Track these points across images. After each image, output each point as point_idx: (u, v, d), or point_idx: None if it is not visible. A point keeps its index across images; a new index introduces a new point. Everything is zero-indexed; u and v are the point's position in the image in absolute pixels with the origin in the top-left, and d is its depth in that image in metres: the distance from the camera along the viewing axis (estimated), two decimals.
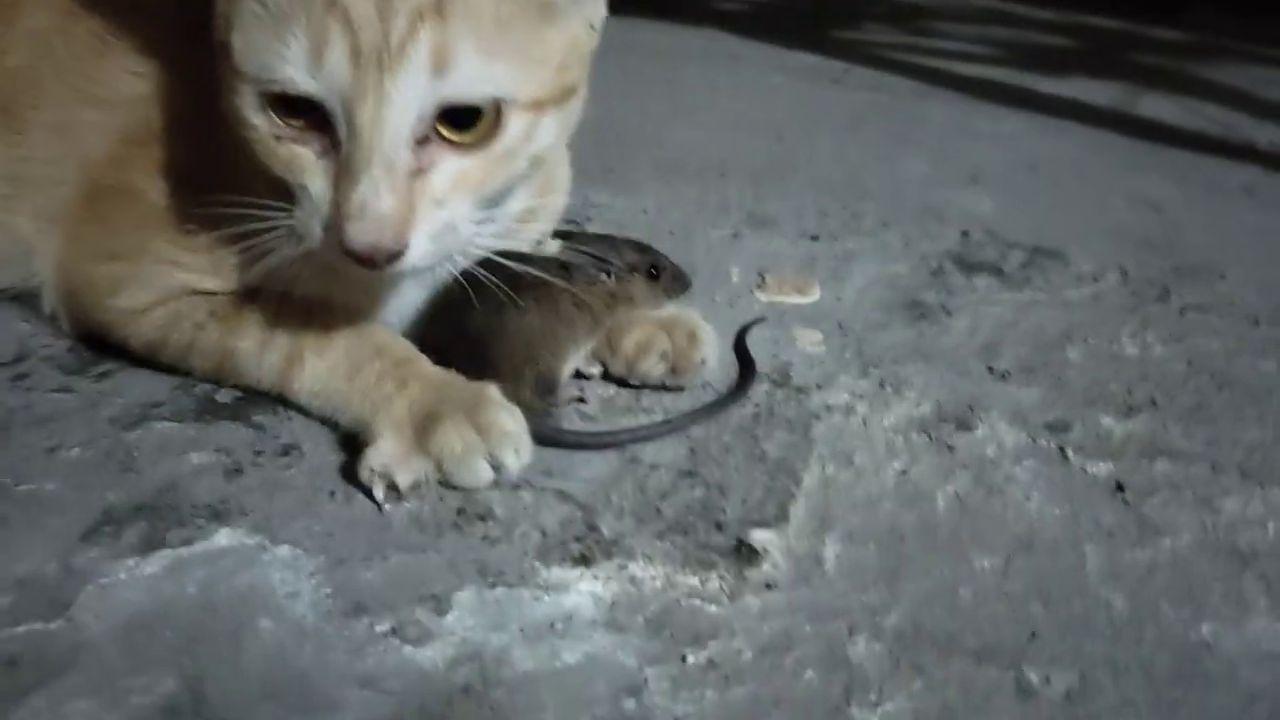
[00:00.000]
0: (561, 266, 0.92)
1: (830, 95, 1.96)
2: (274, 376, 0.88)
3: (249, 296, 0.89)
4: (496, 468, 0.81)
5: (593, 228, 1.21)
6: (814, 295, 1.17)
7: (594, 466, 0.86)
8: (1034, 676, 0.68)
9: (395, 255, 0.74)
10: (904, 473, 0.89)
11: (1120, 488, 0.89)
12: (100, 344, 0.96)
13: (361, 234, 0.72)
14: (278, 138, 0.75)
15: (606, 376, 0.98)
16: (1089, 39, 2.59)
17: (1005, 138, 1.79)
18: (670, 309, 0.99)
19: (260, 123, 0.75)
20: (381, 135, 0.71)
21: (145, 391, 0.91)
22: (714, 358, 0.97)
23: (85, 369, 0.94)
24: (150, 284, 0.89)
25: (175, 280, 0.89)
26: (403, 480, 0.80)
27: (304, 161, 0.74)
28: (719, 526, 0.80)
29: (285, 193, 0.77)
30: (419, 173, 0.74)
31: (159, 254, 0.89)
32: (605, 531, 0.79)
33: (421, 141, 0.73)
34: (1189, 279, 1.27)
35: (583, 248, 0.93)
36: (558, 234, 0.96)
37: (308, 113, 0.73)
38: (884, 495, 0.86)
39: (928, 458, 0.91)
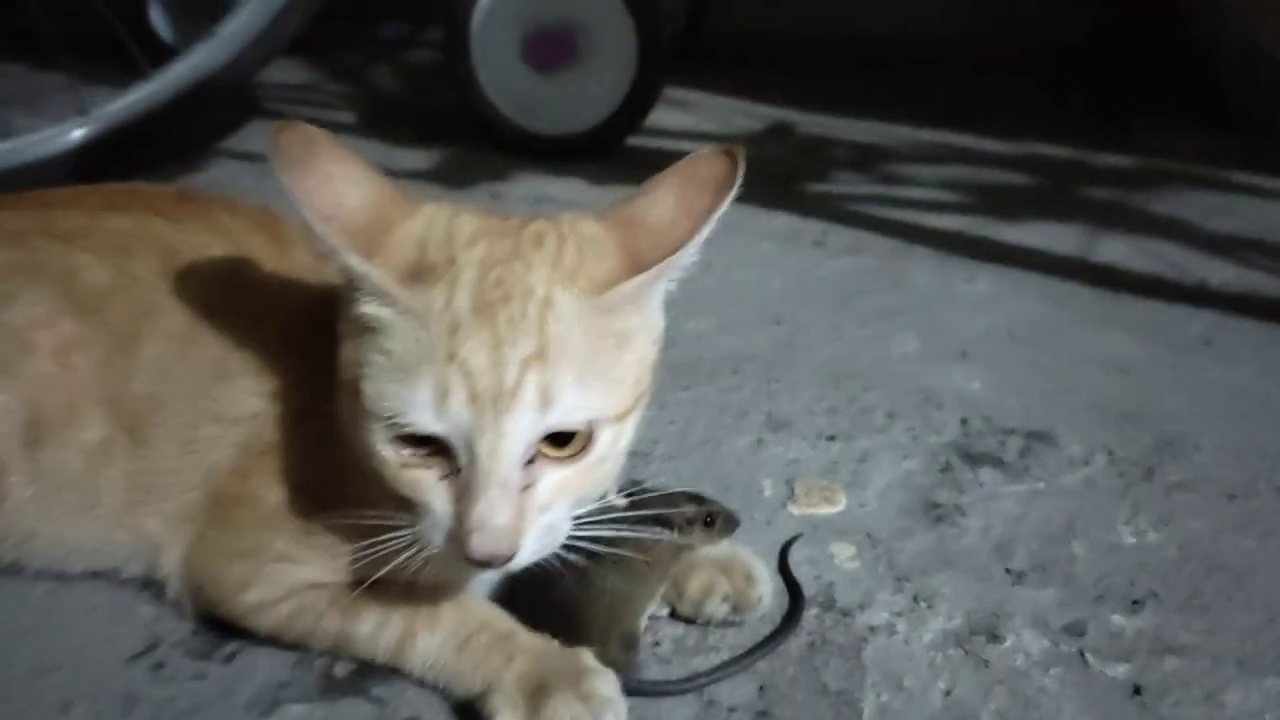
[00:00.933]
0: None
1: (815, 263, 2.12)
2: (389, 653, 1.00)
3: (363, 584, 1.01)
4: None
5: None
6: (840, 504, 1.31)
7: (679, 713, 0.99)
8: None
9: (506, 559, 0.86)
10: (949, 693, 1.02)
11: (1138, 690, 1.02)
12: (220, 624, 1.07)
13: (482, 545, 0.84)
14: (404, 465, 0.87)
15: (674, 615, 1.11)
16: (1044, 173, 2.78)
17: (981, 300, 1.95)
18: (725, 547, 1.12)
19: (389, 455, 0.87)
20: (498, 463, 0.84)
21: (271, 672, 1.03)
22: (769, 595, 1.10)
23: (213, 652, 1.05)
24: (275, 581, 1.02)
25: (298, 577, 1.01)
26: None
27: (428, 483, 0.87)
28: None
29: (407, 505, 0.89)
30: (527, 488, 0.86)
31: (281, 553, 1.01)
32: None
33: (529, 462, 0.86)
34: (1168, 455, 1.42)
35: (644, 508, 1.07)
36: (624, 492, 1.09)
37: (431, 444, 0.86)
38: (934, 718, 0.98)
39: (967, 674, 1.04)
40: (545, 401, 0.84)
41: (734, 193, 0.90)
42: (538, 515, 0.87)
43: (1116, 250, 2.21)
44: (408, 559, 0.91)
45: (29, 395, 1.04)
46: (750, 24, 3.88)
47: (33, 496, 1.06)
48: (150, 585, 1.11)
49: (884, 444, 1.45)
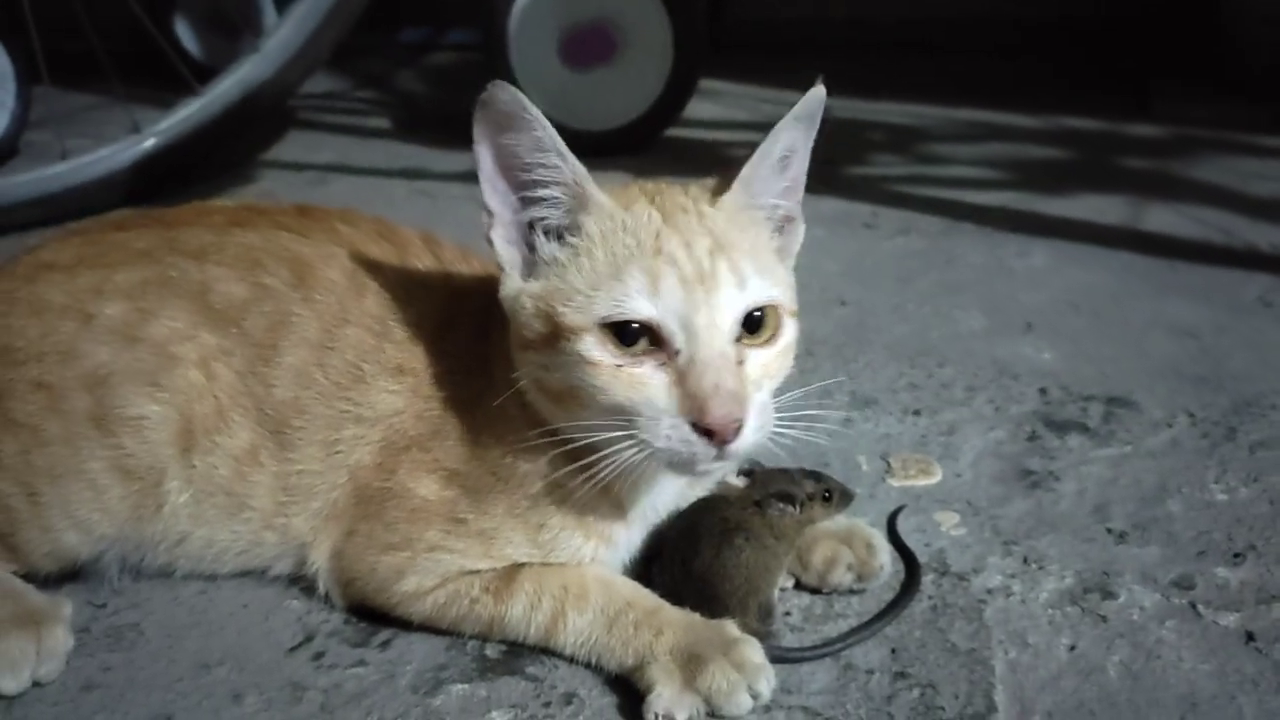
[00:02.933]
0: (756, 504, 1.10)
1: (869, 245, 2.17)
2: (541, 634, 1.06)
3: (512, 569, 1.07)
4: (754, 696, 0.98)
5: None
6: (937, 476, 1.36)
7: (819, 678, 1.04)
8: None
9: (739, 427, 0.93)
10: (1073, 648, 1.07)
11: (1251, 636, 1.07)
12: (368, 613, 1.12)
13: (720, 405, 0.92)
14: (618, 366, 0.94)
15: (799, 586, 1.16)
16: (1078, 146, 2.83)
17: (1038, 273, 2.00)
18: (842, 520, 1.17)
19: (602, 357, 0.95)
20: (718, 335, 0.94)
21: (427, 655, 1.08)
22: (889, 561, 1.15)
23: (368, 640, 1.11)
24: (429, 570, 1.07)
25: (451, 564, 1.07)
26: (680, 717, 0.97)
27: (645, 376, 0.95)
28: None
29: (622, 412, 0.95)
30: (740, 364, 0.95)
31: (433, 543, 1.07)
32: None
33: (735, 342, 0.96)
34: (1247, 414, 1.47)
35: (766, 483, 1.12)
36: (741, 472, 1.15)
37: (641, 339, 0.95)
38: (1063, 672, 1.04)
39: (1087, 630, 1.09)
40: (740, 281, 0.96)
41: (811, 107, 1.01)
42: (753, 389, 0.97)
43: (1164, 218, 2.25)
44: (622, 467, 0.97)
45: (179, 404, 1.09)
46: (770, 13, 3.93)
47: (187, 501, 1.11)
48: (296, 581, 1.16)
49: (968, 416, 1.50)
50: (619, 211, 0.99)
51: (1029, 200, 2.39)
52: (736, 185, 1.02)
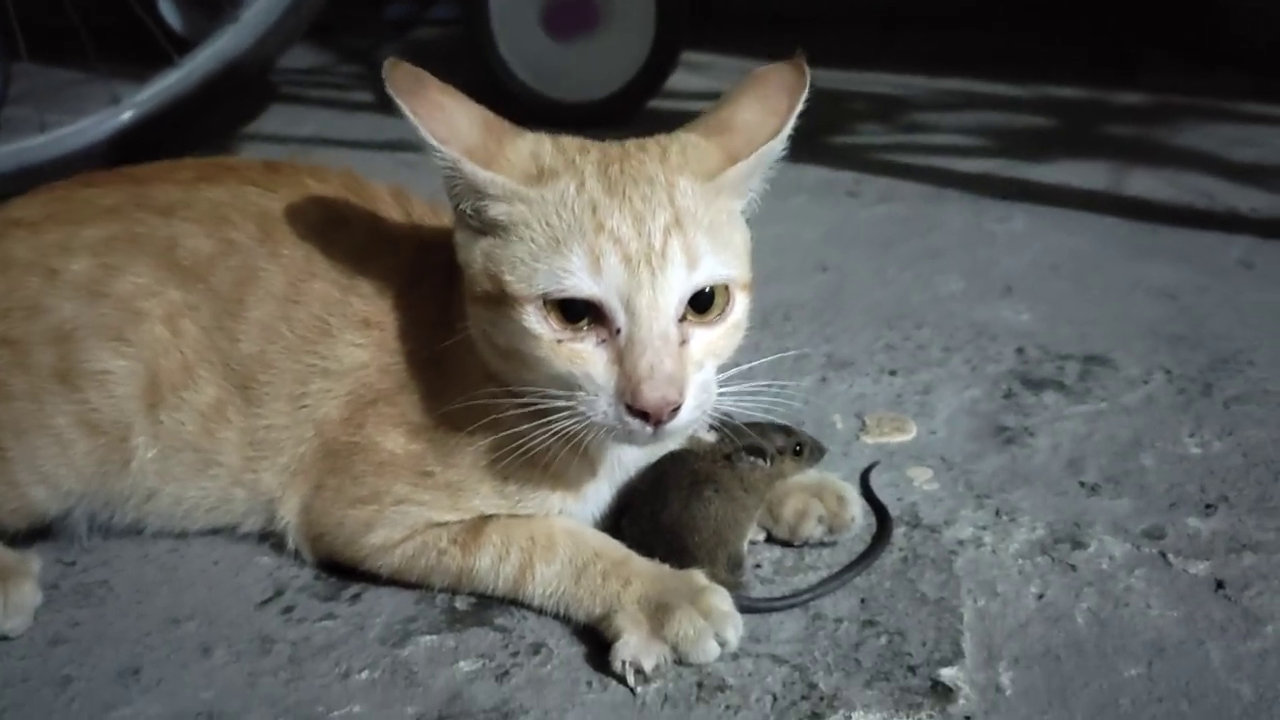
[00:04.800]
0: (726, 458, 1.10)
1: (851, 212, 2.16)
2: (509, 585, 1.06)
3: (480, 521, 1.07)
4: (721, 644, 0.98)
5: None
6: (911, 432, 1.36)
7: (788, 627, 1.04)
8: None
9: (675, 409, 0.92)
10: (1041, 596, 1.07)
11: (1220, 584, 1.07)
12: (338, 568, 1.12)
13: (653, 390, 0.91)
14: (559, 340, 0.94)
15: (770, 540, 1.16)
16: (1061, 114, 2.82)
17: (1019, 238, 1.99)
18: (813, 474, 1.17)
19: (543, 331, 0.94)
20: (659, 316, 0.92)
21: (397, 608, 1.08)
22: (860, 514, 1.15)
23: (338, 594, 1.10)
24: (397, 523, 1.07)
25: (419, 517, 1.06)
26: (647, 665, 0.97)
27: (586, 352, 0.94)
28: (912, 670, 0.98)
29: (562, 383, 0.95)
30: (682, 344, 0.94)
31: (401, 496, 1.06)
32: (823, 687, 0.96)
33: (680, 321, 0.94)
34: (1223, 371, 1.47)
35: (736, 438, 1.12)
36: (711, 426, 1.14)
37: (584, 315, 0.93)
38: (1031, 620, 1.04)
39: (1056, 579, 1.09)
40: (691, 261, 0.94)
41: (806, 94, 1.01)
42: (694, 369, 0.95)
43: (1146, 183, 2.25)
44: (563, 435, 0.96)
45: (145, 359, 1.09)
46: None
47: (155, 457, 1.11)
48: (266, 538, 1.16)
49: (944, 376, 1.50)
50: (530, 190, 0.95)
51: (1012, 167, 2.39)
52: (731, 172, 0.99)
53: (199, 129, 2.63)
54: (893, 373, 1.51)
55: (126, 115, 2.45)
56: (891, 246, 1.98)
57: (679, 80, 2.86)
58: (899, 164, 2.45)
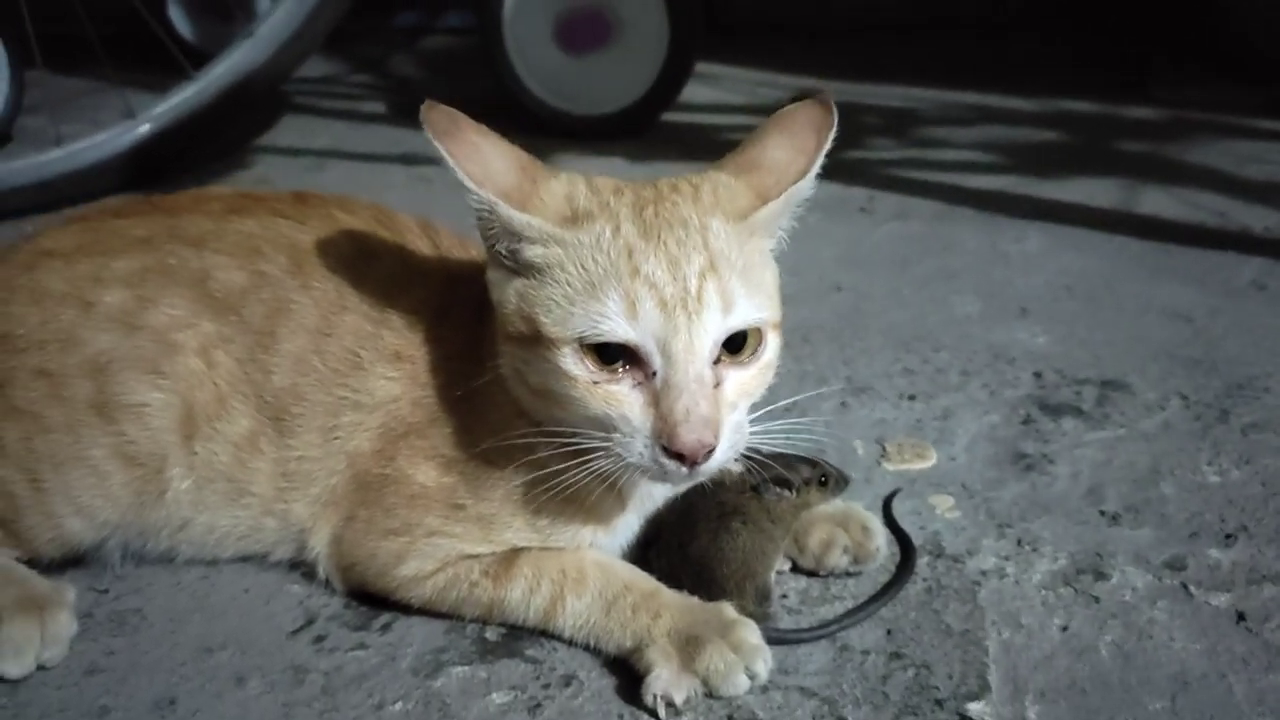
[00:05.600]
0: (753, 489, 1.11)
1: (865, 230, 2.18)
2: (539, 617, 1.07)
3: (511, 553, 1.08)
4: (751, 677, 0.99)
5: None
6: (932, 459, 1.37)
7: (816, 659, 1.05)
8: None
9: (710, 451, 0.94)
10: (1065, 628, 1.08)
11: (1241, 616, 1.09)
12: (368, 597, 1.14)
13: (689, 432, 0.92)
14: (595, 382, 0.95)
15: (795, 569, 1.17)
16: (1073, 129, 2.83)
17: (1033, 258, 2.00)
18: (838, 503, 1.18)
19: (580, 372, 0.95)
20: (694, 360, 0.93)
21: (427, 638, 1.09)
22: (885, 544, 1.16)
23: (369, 623, 1.12)
24: (429, 555, 1.08)
25: (451, 549, 1.08)
26: (679, 698, 0.98)
27: (621, 394, 0.95)
28: (939, 704, 0.99)
29: (598, 424, 0.96)
30: (717, 385, 0.95)
31: (433, 529, 1.08)
32: None
33: (714, 363, 0.95)
34: (1240, 397, 1.48)
35: (762, 469, 1.13)
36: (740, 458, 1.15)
37: (619, 358, 0.95)
38: (1056, 652, 1.05)
39: (1080, 610, 1.10)
40: (726, 305, 0.95)
41: (834, 132, 1.03)
42: (728, 411, 0.96)
43: (1158, 201, 2.26)
44: (600, 473, 0.98)
45: (180, 392, 1.10)
46: None
47: (189, 488, 1.12)
48: (296, 566, 1.17)
49: (963, 401, 1.51)
50: (565, 233, 0.96)
51: (1024, 184, 2.40)
52: (763, 212, 0.99)
53: (214, 142, 2.65)
54: (912, 397, 1.52)
55: (143, 129, 2.47)
56: (907, 266, 2.00)
57: (689, 92, 2.87)
58: (912, 180, 2.46)
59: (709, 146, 2.76)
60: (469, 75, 3.37)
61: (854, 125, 2.91)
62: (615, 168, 2.56)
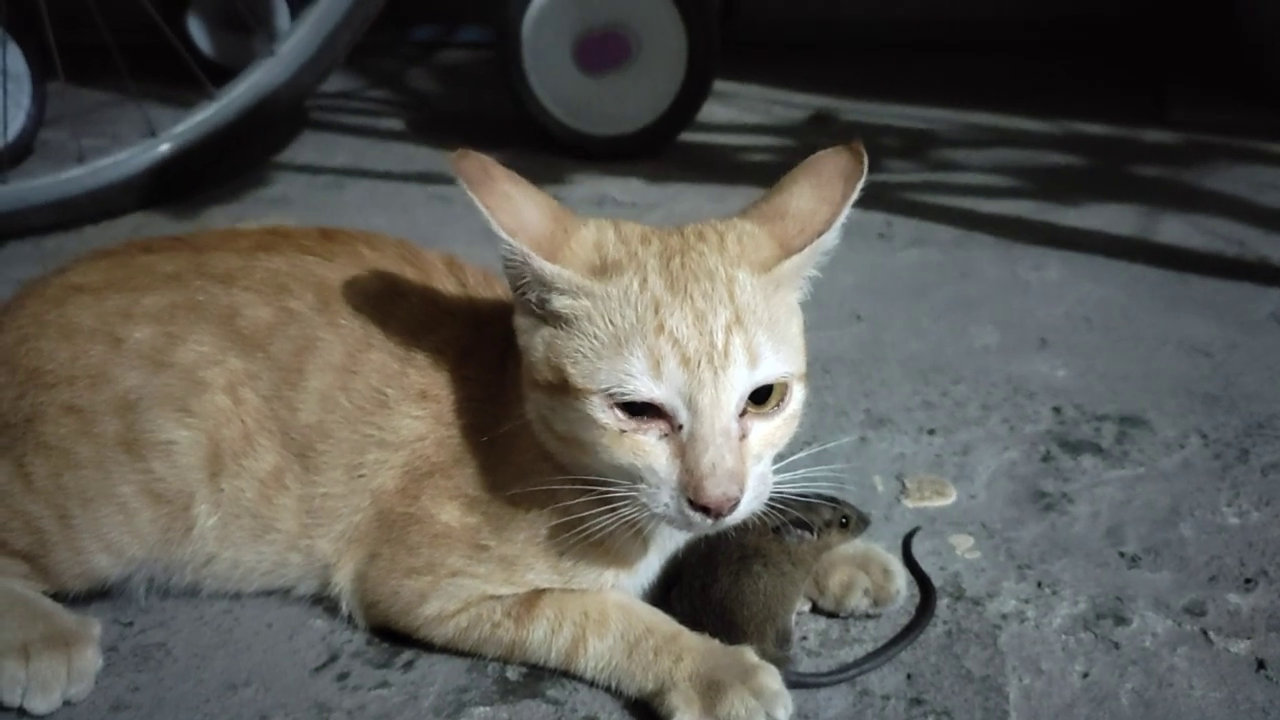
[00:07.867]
0: (774, 531, 1.12)
1: (883, 256, 2.18)
2: (561, 658, 1.08)
3: (534, 594, 1.09)
4: None
5: None
6: (951, 496, 1.37)
7: (836, 704, 1.06)
8: None
9: (735, 503, 0.94)
10: (1086, 675, 1.08)
11: (1261, 664, 1.09)
12: (390, 633, 1.14)
13: (715, 486, 0.93)
14: (623, 431, 0.95)
15: (815, 610, 1.18)
16: (1091, 153, 2.82)
17: (1053, 287, 2.00)
18: (858, 544, 1.19)
19: (608, 422, 0.96)
20: (720, 414, 0.94)
21: (449, 677, 1.10)
22: (905, 587, 1.17)
23: (391, 661, 1.13)
24: (452, 595, 1.09)
25: (473, 589, 1.09)
26: None
27: (648, 445, 0.96)
28: None
29: (624, 473, 0.97)
30: (742, 438, 0.96)
31: (456, 568, 1.09)
32: None
33: (740, 415, 0.95)
34: (1260, 436, 1.48)
35: (783, 511, 1.13)
36: None
37: (646, 411, 0.95)
38: (1076, 700, 1.05)
39: (1100, 656, 1.10)
40: (752, 360, 0.95)
41: (863, 181, 1.02)
42: (753, 463, 0.97)
43: (1176, 229, 2.26)
44: (623, 520, 0.99)
45: (208, 429, 1.11)
46: (782, 13, 3.93)
47: (215, 524, 1.13)
48: (319, 601, 1.18)
49: (982, 436, 1.51)
50: (595, 285, 0.97)
51: (1043, 210, 2.40)
52: (787, 265, 0.99)
53: (233, 161, 2.67)
54: (931, 431, 1.52)
55: (164, 147, 2.49)
56: (925, 294, 2.00)
57: (707, 111, 2.88)
58: (929, 205, 2.46)
59: (727, 167, 2.77)
60: (486, 90, 3.38)
61: (872, 147, 2.90)
62: (633, 188, 2.57)
